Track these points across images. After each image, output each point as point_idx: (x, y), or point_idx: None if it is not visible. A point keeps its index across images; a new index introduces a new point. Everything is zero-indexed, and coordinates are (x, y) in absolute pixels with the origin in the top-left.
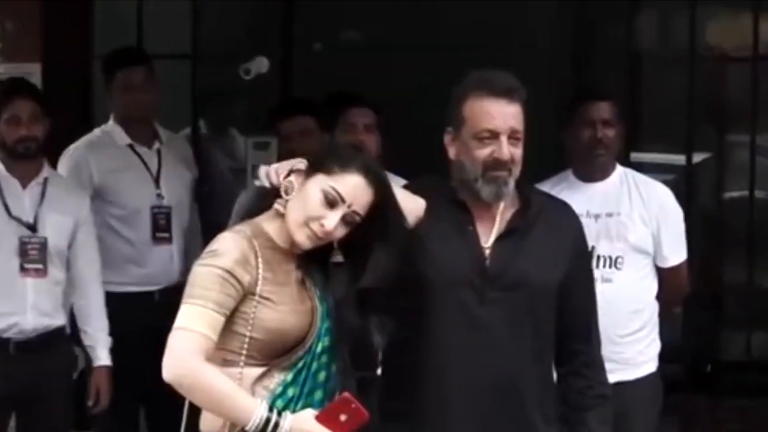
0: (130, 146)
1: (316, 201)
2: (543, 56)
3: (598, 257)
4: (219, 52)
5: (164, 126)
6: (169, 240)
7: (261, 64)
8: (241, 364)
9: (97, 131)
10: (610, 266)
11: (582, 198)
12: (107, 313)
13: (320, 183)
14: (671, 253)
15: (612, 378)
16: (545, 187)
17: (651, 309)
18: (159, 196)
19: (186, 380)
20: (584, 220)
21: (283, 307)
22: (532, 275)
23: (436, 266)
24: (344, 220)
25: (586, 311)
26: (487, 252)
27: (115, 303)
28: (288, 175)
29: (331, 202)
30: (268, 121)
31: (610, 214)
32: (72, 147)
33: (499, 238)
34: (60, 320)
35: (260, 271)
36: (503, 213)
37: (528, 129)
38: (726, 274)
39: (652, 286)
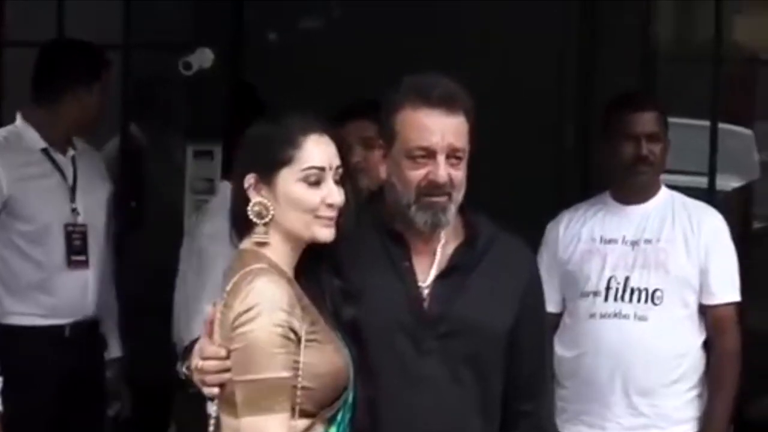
0: (45, 151)
1: (304, 193)
2: (545, 54)
3: (632, 290)
4: (154, 42)
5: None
6: (85, 264)
7: (204, 57)
8: (295, 417)
9: (2, 131)
10: (645, 300)
11: (618, 222)
12: (8, 348)
13: (290, 177)
14: (720, 289)
15: None
16: (580, 209)
17: (694, 357)
18: (74, 211)
19: None
20: (619, 248)
21: (329, 346)
22: (478, 320)
23: (366, 308)
24: (336, 183)
25: (535, 363)
26: (426, 292)
27: (18, 338)
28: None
29: (317, 181)
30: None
31: (648, 241)
32: None
33: (440, 277)
34: None
35: (299, 311)
36: (445, 246)
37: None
38: (753, 320)
39: (699, 330)
